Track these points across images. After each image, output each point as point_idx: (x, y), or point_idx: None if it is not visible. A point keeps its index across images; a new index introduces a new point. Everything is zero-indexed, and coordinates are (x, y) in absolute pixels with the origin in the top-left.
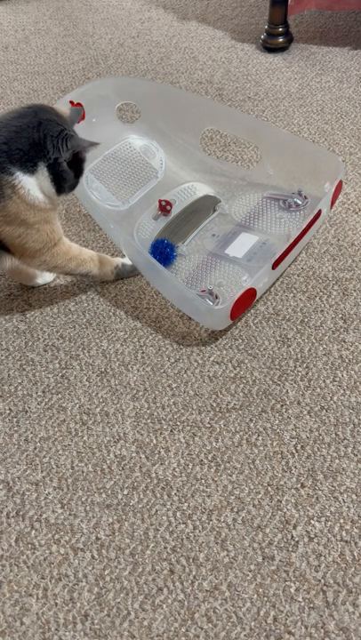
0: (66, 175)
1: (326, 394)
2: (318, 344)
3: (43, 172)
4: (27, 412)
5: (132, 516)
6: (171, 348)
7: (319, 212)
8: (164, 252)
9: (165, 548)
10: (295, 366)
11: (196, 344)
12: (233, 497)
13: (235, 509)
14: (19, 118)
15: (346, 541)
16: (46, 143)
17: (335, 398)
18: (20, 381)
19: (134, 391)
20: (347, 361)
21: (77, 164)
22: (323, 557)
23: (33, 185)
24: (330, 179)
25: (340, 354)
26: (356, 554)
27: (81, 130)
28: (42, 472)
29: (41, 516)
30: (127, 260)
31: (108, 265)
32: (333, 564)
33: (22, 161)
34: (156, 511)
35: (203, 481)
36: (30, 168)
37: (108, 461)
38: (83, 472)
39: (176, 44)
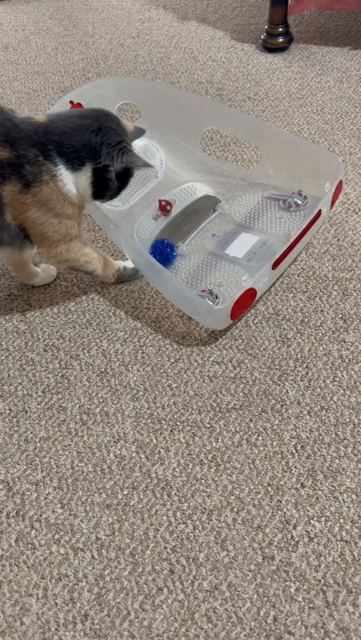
0: (111, 184)
1: (326, 394)
2: (318, 344)
3: (86, 173)
4: (27, 411)
5: (132, 516)
6: (171, 348)
7: (319, 212)
8: (164, 251)
9: (165, 547)
10: (295, 366)
11: (196, 344)
12: (233, 497)
13: (235, 509)
14: (80, 117)
15: (346, 541)
16: (101, 149)
17: (335, 398)
18: (20, 381)
19: (134, 391)
20: (347, 361)
21: (124, 178)
22: (323, 557)
23: (70, 180)
24: (330, 179)
25: (340, 354)
26: (356, 554)
27: None
28: (42, 472)
29: (41, 516)
30: (128, 264)
31: (110, 268)
32: (333, 564)
33: (70, 157)
34: (156, 511)
35: (203, 481)
36: (76, 166)
37: (108, 461)
38: (83, 472)
39: (176, 44)
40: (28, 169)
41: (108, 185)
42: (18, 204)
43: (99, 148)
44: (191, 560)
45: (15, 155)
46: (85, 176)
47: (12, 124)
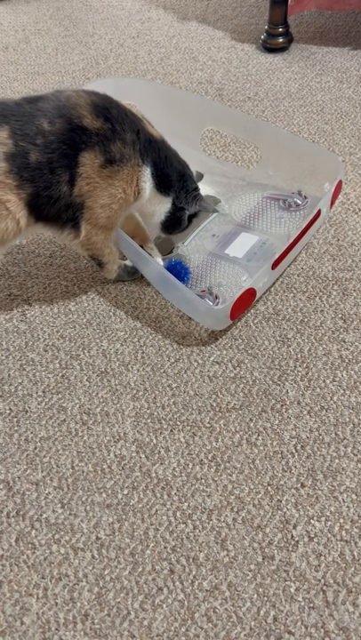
0: (183, 224)
1: (326, 394)
2: (318, 344)
3: (166, 203)
4: (27, 411)
5: (132, 516)
6: (171, 348)
7: (319, 212)
8: (177, 274)
9: (165, 547)
10: (295, 366)
11: (196, 344)
12: (233, 497)
13: (235, 509)
14: (176, 160)
15: (346, 541)
16: (181, 193)
17: (335, 398)
18: (20, 381)
19: (134, 391)
20: (347, 361)
21: (190, 218)
22: (323, 557)
23: (150, 188)
24: (330, 179)
25: (340, 354)
26: (356, 554)
27: None
28: (42, 472)
29: (41, 515)
30: (128, 262)
31: (116, 262)
32: (333, 564)
33: (159, 179)
34: (156, 511)
35: (203, 481)
36: (162, 189)
37: (108, 461)
38: (83, 472)
39: (176, 44)
40: (119, 146)
41: (180, 223)
42: (93, 177)
43: (179, 190)
44: (191, 560)
45: (109, 128)
46: (166, 205)
47: (117, 107)
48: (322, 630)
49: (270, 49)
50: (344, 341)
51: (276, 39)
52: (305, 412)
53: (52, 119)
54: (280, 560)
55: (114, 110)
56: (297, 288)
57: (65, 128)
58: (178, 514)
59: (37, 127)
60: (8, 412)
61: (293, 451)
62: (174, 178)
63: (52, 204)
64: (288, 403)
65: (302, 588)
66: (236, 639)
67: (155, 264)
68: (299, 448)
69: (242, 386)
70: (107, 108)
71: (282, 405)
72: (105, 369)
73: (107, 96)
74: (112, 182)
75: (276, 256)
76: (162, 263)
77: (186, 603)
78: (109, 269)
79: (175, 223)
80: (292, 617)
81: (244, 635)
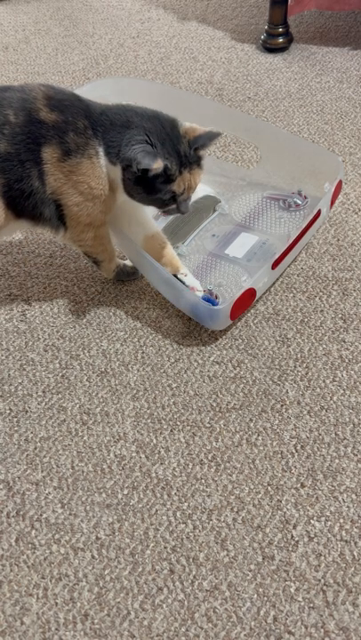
0: (127, 183)
1: (326, 394)
2: (318, 344)
3: (117, 170)
4: (27, 411)
5: (132, 516)
6: (171, 348)
7: (319, 212)
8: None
9: (165, 547)
10: (295, 366)
11: (196, 344)
12: (233, 497)
13: (235, 509)
14: (136, 114)
15: (346, 541)
16: (125, 146)
17: (335, 398)
18: (20, 381)
19: (134, 391)
20: (347, 361)
21: (147, 183)
22: (323, 557)
23: (105, 164)
24: (329, 178)
25: (339, 354)
26: (356, 554)
27: None
28: (42, 472)
29: (41, 515)
30: (128, 262)
31: (113, 262)
32: (333, 564)
33: (110, 146)
34: (156, 511)
35: (203, 481)
36: (113, 157)
37: (108, 461)
38: (83, 472)
39: (176, 44)
40: (72, 137)
41: (126, 184)
42: (57, 173)
43: (125, 145)
44: (191, 560)
45: (62, 120)
46: (118, 169)
47: (71, 98)
48: (322, 630)
49: (270, 49)
50: (344, 341)
51: (276, 39)
52: (305, 412)
53: (16, 111)
54: (280, 560)
55: (67, 101)
56: (297, 288)
57: (26, 121)
58: (178, 514)
59: (4, 117)
60: (8, 411)
61: (293, 451)
62: (119, 135)
63: (27, 199)
64: (288, 403)
65: (302, 588)
66: (236, 639)
67: (154, 264)
68: (299, 448)
69: (242, 386)
70: (60, 100)
71: (282, 405)
72: (105, 369)
73: (63, 90)
74: (76, 178)
75: (276, 256)
76: (200, 289)
77: (186, 603)
78: (106, 267)
79: (130, 186)
80: (292, 617)
81: (244, 635)
